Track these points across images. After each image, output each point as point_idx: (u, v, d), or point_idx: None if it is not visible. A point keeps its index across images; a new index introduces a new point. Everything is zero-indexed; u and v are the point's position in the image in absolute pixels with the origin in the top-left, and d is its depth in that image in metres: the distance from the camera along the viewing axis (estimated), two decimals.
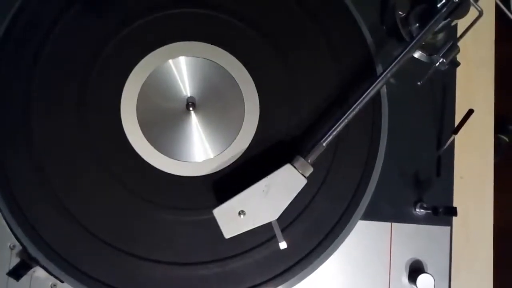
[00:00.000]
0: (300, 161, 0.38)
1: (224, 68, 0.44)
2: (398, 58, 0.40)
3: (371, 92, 0.40)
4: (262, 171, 0.42)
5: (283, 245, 0.38)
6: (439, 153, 0.45)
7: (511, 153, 0.62)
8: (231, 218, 0.37)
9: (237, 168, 0.43)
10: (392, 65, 0.40)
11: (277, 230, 0.38)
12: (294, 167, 0.38)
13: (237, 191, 0.42)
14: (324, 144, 0.39)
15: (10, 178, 0.41)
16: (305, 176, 0.38)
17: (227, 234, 0.37)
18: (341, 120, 0.39)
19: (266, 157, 0.43)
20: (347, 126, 0.43)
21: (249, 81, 0.44)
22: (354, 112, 0.39)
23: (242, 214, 0.38)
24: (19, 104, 0.42)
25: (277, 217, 0.38)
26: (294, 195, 0.38)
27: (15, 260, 0.41)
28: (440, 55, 0.42)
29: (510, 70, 0.63)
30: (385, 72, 0.40)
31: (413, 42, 0.41)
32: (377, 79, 0.40)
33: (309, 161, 0.38)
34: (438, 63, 0.42)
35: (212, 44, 0.44)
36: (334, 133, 0.39)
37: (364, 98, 0.39)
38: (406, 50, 0.41)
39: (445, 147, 0.44)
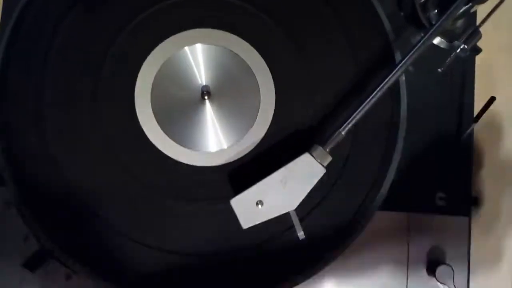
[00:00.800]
0: (319, 150, 0.38)
1: (240, 57, 0.43)
2: (418, 45, 0.39)
3: (390, 80, 0.39)
4: (277, 162, 0.41)
5: (301, 235, 0.37)
6: (460, 141, 0.44)
7: None
8: (248, 208, 0.37)
9: (252, 158, 0.42)
10: (412, 52, 0.39)
11: (296, 220, 0.37)
12: (312, 156, 0.37)
13: (252, 181, 0.41)
14: (343, 133, 0.38)
15: (24, 169, 0.41)
16: (323, 165, 0.37)
17: (245, 225, 0.37)
18: (360, 109, 0.38)
19: (282, 147, 0.42)
20: (365, 114, 0.43)
21: (265, 70, 0.43)
22: (373, 101, 0.38)
23: (260, 204, 0.37)
24: (32, 97, 0.41)
25: (295, 207, 0.37)
26: (313, 184, 0.37)
27: (30, 252, 0.41)
28: (462, 41, 0.41)
29: None
30: (404, 60, 0.39)
31: (433, 29, 0.40)
32: (396, 66, 0.39)
33: (327, 150, 0.38)
34: (459, 49, 0.41)
35: (228, 32, 0.43)
36: (353, 121, 0.38)
37: (383, 86, 0.39)
38: (426, 37, 0.39)
39: (465, 135, 0.43)
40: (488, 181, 0.46)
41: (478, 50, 0.42)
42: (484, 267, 0.45)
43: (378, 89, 0.38)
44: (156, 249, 0.40)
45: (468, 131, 0.43)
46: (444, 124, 0.45)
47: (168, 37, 0.42)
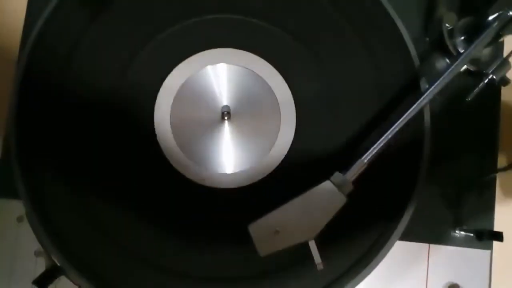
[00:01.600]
0: (340, 178, 0.37)
1: (262, 78, 0.42)
2: (445, 74, 0.38)
3: (415, 109, 0.38)
4: (295, 186, 0.41)
5: (320, 266, 0.36)
6: (484, 177, 0.43)
7: None
8: (266, 235, 0.36)
9: (269, 181, 0.41)
10: (439, 81, 0.38)
11: (314, 250, 0.36)
12: (334, 184, 0.36)
13: (268, 205, 0.40)
14: (365, 161, 0.37)
15: (38, 185, 0.40)
16: (344, 194, 0.36)
17: (262, 252, 0.36)
18: (383, 137, 0.37)
19: (300, 172, 0.41)
20: (388, 143, 0.42)
21: (287, 92, 0.42)
22: (397, 129, 0.37)
23: (278, 232, 0.36)
24: (50, 111, 0.41)
25: (314, 236, 0.36)
26: (333, 214, 0.36)
27: (41, 268, 0.40)
28: (490, 71, 0.40)
29: None
30: (431, 88, 0.38)
31: (461, 58, 0.39)
32: (422, 95, 0.38)
33: (349, 178, 0.37)
34: (487, 79, 0.40)
35: (251, 52, 0.42)
36: (376, 149, 0.37)
37: (408, 115, 0.38)
38: (453, 66, 0.39)
39: (486, 179, 0.42)
40: (509, 213, 0.44)
41: (507, 81, 0.41)
42: None
43: (403, 118, 0.37)
44: (169, 271, 0.39)
45: (491, 176, 0.42)
46: (467, 155, 0.44)
47: (190, 55, 0.42)
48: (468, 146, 0.44)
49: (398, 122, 0.37)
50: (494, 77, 0.40)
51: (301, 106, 0.42)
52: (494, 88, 0.44)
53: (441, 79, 0.38)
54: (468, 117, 0.44)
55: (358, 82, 0.43)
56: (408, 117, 0.38)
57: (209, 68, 0.42)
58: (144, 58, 0.42)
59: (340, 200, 0.36)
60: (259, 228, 0.36)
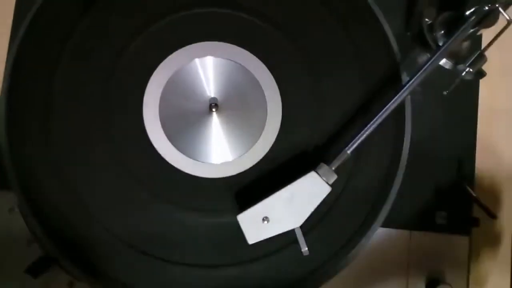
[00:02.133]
0: (324, 168, 0.38)
1: (249, 71, 0.43)
2: (425, 67, 0.40)
3: (396, 101, 0.39)
4: (281, 176, 0.42)
5: (305, 251, 0.37)
6: (462, 162, 0.45)
7: None
8: (254, 224, 0.37)
9: (256, 172, 0.42)
10: (418, 74, 0.40)
11: (300, 237, 0.38)
12: (319, 174, 0.38)
13: (256, 195, 0.41)
14: (348, 152, 0.38)
15: (30, 175, 0.41)
16: (329, 184, 0.38)
17: (251, 240, 0.37)
18: (366, 128, 0.39)
19: (287, 162, 0.43)
20: (371, 134, 0.43)
21: (273, 85, 0.43)
22: (379, 121, 0.39)
23: (266, 220, 0.37)
24: (41, 103, 0.42)
25: (300, 224, 0.38)
26: (318, 202, 0.38)
27: (33, 257, 0.41)
28: (467, 64, 0.41)
29: None
30: (411, 81, 0.40)
31: (440, 51, 0.40)
32: (403, 88, 0.40)
33: (333, 168, 0.38)
34: (464, 72, 0.41)
35: (238, 46, 0.43)
36: (359, 141, 0.38)
37: (389, 106, 0.39)
38: (433, 59, 0.40)
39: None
40: (488, 201, 0.46)
41: (483, 74, 0.43)
42: (482, 286, 0.45)
43: (384, 109, 0.39)
44: (159, 259, 0.40)
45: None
46: (447, 143, 0.45)
47: (178, 48, 0.43)
48: (447, 136, 0.45)
49: (379, 114, 0.39)
50: (471, 70, 0.41)
51: (287, 98, 0.43)
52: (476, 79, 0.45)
53: (420, 72, 0.40)
54: (447, 107, 0.46)
55: (343, 76, 0.44)
56: (390, 109, 0.39)
57: (197, 61, 0.43)
58: (133, 51, 0.43)
59: (324, 189, 0.38)
60: (247, 218, 0.37)
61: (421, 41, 0.46)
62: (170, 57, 0.43)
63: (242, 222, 0.37)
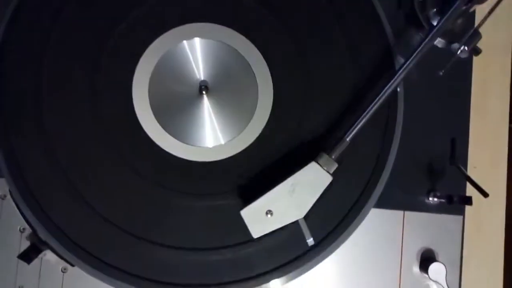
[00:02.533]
0: (325, 158, 0.38)
1: (239, 52, 0.43)
2: (420, 48, 0.39)
3: (393, 84, 0.39)
4: (273, 159, 0.42)
5: (310, 242, 0.37)
6: (455, 142, 0.44)
7: None
8: (258, 218, 0.37)
9: (248, 154, 0.42)
10: (414, 55, 0.39)
11: (304, 228, 0.38)
12: (319, 164, 0.38)
13: (248, 177, 0.41)
14: (348, 140, 0.38)
15: (20, 162, 0.40)
16: (330, 173, 0.38)
17: (255, 234, 0.37)
18: (364, 114, 0.38)
19: (279, 144, 0.42)
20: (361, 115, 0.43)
21: (264, 66, 0.43)
22: (376, 106, 0.38)
23: (269, 213, 0.37)
24: (30, 89, 0.41)
25: (304, 214, 0.38)
26: (320, 192, 0.38)
27: (25, 244, 0.41)
28: (462, 43, 0.41)
29: None
30: (407, 63, 0.39)
31: (434, 31, 0.40)
32: (399, 70, 0.39)
33: (333, 157, 0.38)
34: (459, 51, 0.41)
35: (228, 27, 0.43)
36: (358, 127, 0.38)
37: (386, 90, 0.38)
38: (427, 39, 0.39)
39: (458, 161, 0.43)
40: (481, 181, 0.46)
41: (478, 51, 0.42)
42: (475, 266, 0.46)
43: (382, 93, 0.38)
44: (152, 243, 0.40)
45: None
46: (440, 122, 0.45)
47: (166, 31, 0.42)
48: (440, 115, 0.45)
49: (377, 99, 0.38)
50: (466, 48, 0.41)
51: (278, 79, 0.43)
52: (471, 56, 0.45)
53: (416, 53, 0.39)
54: (440, 86, 0.45)
55: (334, 59, 0.44)
56: (386, 93, 0.38)
57: (185, 43, 0.43)
58: (120, 35, 0.42)
59: (326, 178, 0.38)
60: (250, 212, 0.37)
61: (413, 20, 0.45)
62: (157, 40, 0.42)
63: (246, 216, 0.37)
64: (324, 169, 0.38)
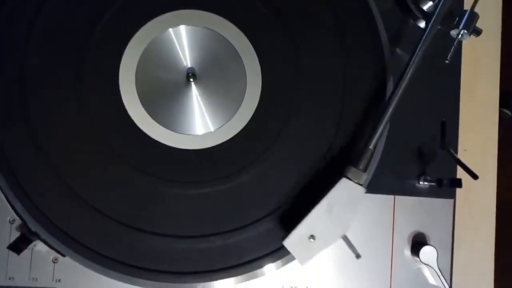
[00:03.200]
0: (353, 171, 0.38)
1: (226, 39, 0.42)
2: (423, 39, 0.39)
3: (404, 81, 0.38)
4: (263, 146, 0.42)
5: (359, 257, 0.38)
6: (445, 124, 0.44)
7: None
8: (302, 245, 0.37)
9: (238, 141, 0.42)
10: (419, 48, 0.39)
11: (350, 244, 0.38)
12: (349, 178, 0.38)
13: (239, 165, 0.41)
14: (371, 147, 0.38)
15: (7, 153, 0.40)
16: (361, 184, 0.38)
17: (303, 262, 0.37)
18: (382, 119, 0.38)
19: (268, 131, 0.42)
20: (351, 98, 0.43)
21: (252, 53, 0.43)
22: (392, 107, 0.38)
23: (312, 238, 0.37)
24: (15, 78, 0.41)
25: (347, 231, 0.38)
26: (358, 205, 0.38)
27: (15, 235, 0.41)
28: (460, 27, 0.40)
29: None
30: (414, 57, 0.39)
31: (434, 18, 0.39)
32: (407, 66, 0.39)
33: (360, 168, 0.38)
34: (460, 35, 0.40)
35: (213, 13, 0.42)
36: (378, 133, 0.38)
37: (399, 90, 0.38)
38: (428, 29, 0.39)
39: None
40: (471, 164, 0.46)
41: (479, 32, 0.42)
42: (467, 249, 0.46)
43: (395, 95, 0.38)
44: (142, 232, 0.40)
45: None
46: (430, 107, 0.45)
47: (151, 18, 0.42)
48: (430, 97, 0.45)
49: (392, 101, 0.38)
50: (466, 31, 0.40)
51: (267, 66, 0.43)
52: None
53: (420, 45, 0.39)
54: (429, 70, 0.45)
55: (322, 39, 0.43)
56: (400, 92, 0.38)
57: (170, 31, 0.42)
58: (105, 24, 0.42)
59: (360, 190, 0.38)
60: (293, 241, 0.37)
61: (403, 7, 0.45)
62: (142, 29, 0.42)
63: (289, 246, 0.37)
64: (355, 182, 0.37)
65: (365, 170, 0.38)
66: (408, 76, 0.38)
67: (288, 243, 0.37)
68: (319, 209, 0.37)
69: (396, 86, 0.39)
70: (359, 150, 0.38)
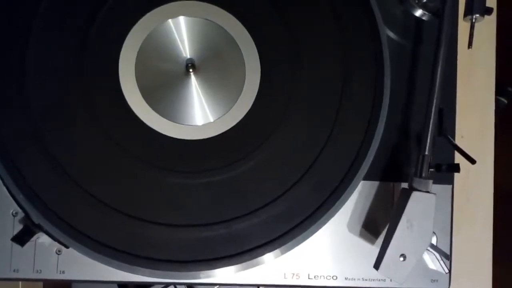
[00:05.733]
0: (419, 181, 0.39)
1: (225, 29, 0.43)
2: (443, 33, 0.40)
3: (438, 78, 0.40)
4: (263, 135, 0.42)
5: (448, 256, 0.41)
6: (443, 111, 0.45)
7: (509, 115, 0.62)
8: (396, 267, 0.38)
9: (238, 131, 0.42)
10: (443, 42, 0.40)
11: (436, 249, 0.41)
12: (419, 190, 0.39)
13: (239, 153, 0.41)
14: (427, 153, 0.39)
15: (8, 145, 0.40)
16: (430, 192, 0.39)
17: (401, 280, 0.39)
18: (428, 122, 0.39)
19: (268, 120, 0.43)
20: (349, 85, 0.43)
21: (250, 43, 0.43)
22: (433, 109, 0.39)
23: (403, 257, 0.38)
24: (15, 68, 0.41)
25: (431, 239, 0.39)
26: (432, 211, 0.39)
27: (18, 227, 0.41)
28: (473, 12, 0.41)
29: None
30: (440, 52, 0.40)
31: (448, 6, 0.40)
32: (437, 64, 0.40)
33: (423, 176, 0.39)
34: (474, 19, 0.41)
35: (212, 4, 0.43)
36: (429, 138, 0.39)
37: (436, 89, 0.39)
38: (446, 15, 0.40)
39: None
40: (469, 150, 0.47)
41: (490, 10, 0.42)
42: (465, 234, 0.46)
43: (434, 98, 0.39)
44: (145, 221, 0.40)
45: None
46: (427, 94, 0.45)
47: (150, 10, 0.42)
48: (427, 84, 0.45)
49: (433, 103, 0.39)
50: (478, 15, 0.41)
51: (266, 55, 0.43)
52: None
53: (443, 39, 0.40)
54: (426, 57, 0.46)
55: (321, 32, 0.43)
56: (437, 90, 0.40)
57: (170, 22, 0.42)
58: (104, 15, 0.42)
59: (431, 198, 0.39)
60: (387, 265, 0.38)
61: None
62: (141, 20, 0.42)
63: (385, 271, 0.38)
64: (425, 192, 0.39)
65: (428, 176, 0.39)
66: (439, 75, 0.40)
67: (383, 270, 0.38)
68: (400, 228, 0.38)
69: (431, 91, 0.40)
70: (419, 159, 0.39)
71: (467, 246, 0.46)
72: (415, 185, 0.39)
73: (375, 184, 0.44)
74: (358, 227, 0.44)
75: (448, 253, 0.43)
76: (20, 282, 0.49)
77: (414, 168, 0.40)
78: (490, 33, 0.48)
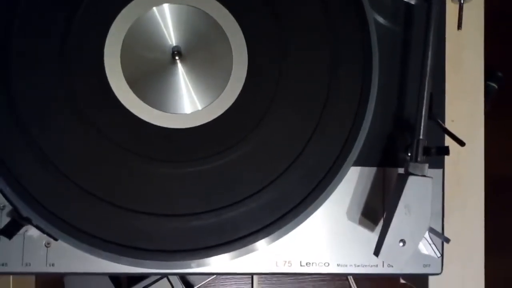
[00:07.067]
0: (414, 165, 0.39)
1: (211, 16, 0.42)
2: (432, 20, 0.40)
3: (429, 60, 0.40)
4: (251, 123, 0.42)
5: (448, 240, 0.41)
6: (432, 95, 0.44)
7: (499, 101, 0.62)
8: (396, 252, 0.38)
9: (226, 119, 0.42)
10: (431, 28, 0.40)
11: (437, 233, 0.40)
12: (414, 174, 0.39)
13: (227, 141, 0.41)
14: (421, 137, 0.39)
15: None
16: (426, 175, 0.39)
17: (401, 266, 0.40)
18: (422, 107, 0.40)
19: (256, 107, 0.42)
20: (336, 73, 0.43)
21: (237, 30, 0.42)
22: (426, 94, 0.39)
23: (402, 242, 0.38)
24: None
25: (429, 223, 0.39)
26: (431, 195, 0.39)
27: (6, 220, 0.41)
28: None
29: (501, 15, 0.63)
30: (429, 37, 0.40)
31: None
32: (426, 47, 0.40)
33: (419, 160, 0.39)
34: (463, 1, 0.42)
35: None
36: (423, 123, 0.39)
37: (427, 71, 0.40)
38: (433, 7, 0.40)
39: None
40: (459, 134, 0.47)
41: None
42: (457, 218, 0.46)
43: (425, 80, 0.39)
44: (133, 212, 0.40)
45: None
46: (416, 78, 0.45)
47: None
48: (416, 69, 0.45)
49: (425, 88, 0.39)
50: None
51: (253, 42, 0.42)
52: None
53: (432, 23, 0.40)
54: (415, 42, 0.46)
55: (309, 19, 0.43)
56: (428, 73, 0.40)
57: (154, 9, 0.42)
58: (88, 4, 0.42)
59: (428, 182, 0.39)
60: (387, 252, 0.38)
61: None
62: (126, 8, 0.41)
63: (385, 257, 0.38)
64: (421, 176, 0.39)
65: (423, 160, 0.39)
66: (429, 61, 0.40)
67: (383, 255, 0.38)
68: (398, 214, 0.38)
69: (422, 78, 0.40)
70: (414, 143, 0.39)
71: (459, 229, 0.46)
72: (411, 169, 0.39)
73: (365, 169, 0.44)
74: (350, 213, 0.44)
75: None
76: (11, 278, 0.48)
77: (409, 153, 0.40)
78: (477, 15, 0.48)
